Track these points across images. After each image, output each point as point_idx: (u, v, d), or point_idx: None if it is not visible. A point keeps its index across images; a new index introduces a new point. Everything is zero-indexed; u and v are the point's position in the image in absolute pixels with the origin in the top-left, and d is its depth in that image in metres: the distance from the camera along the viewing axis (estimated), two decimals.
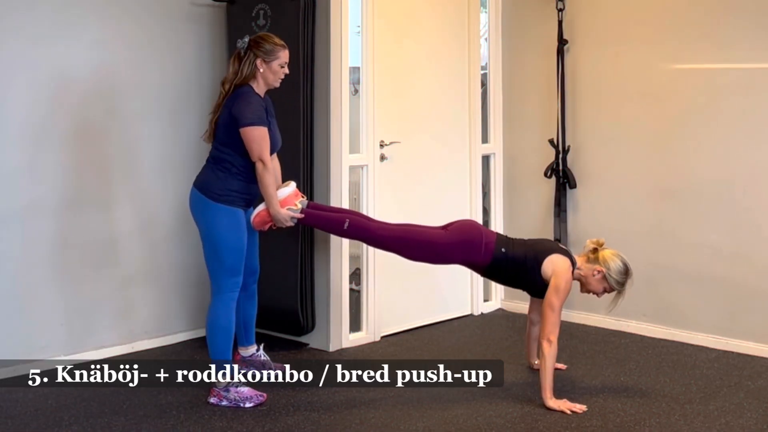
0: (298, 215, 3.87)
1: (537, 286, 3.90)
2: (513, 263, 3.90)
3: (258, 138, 3.70)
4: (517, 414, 3.66)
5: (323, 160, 4.54)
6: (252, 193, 3.83)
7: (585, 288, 3.96)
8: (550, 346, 3.70)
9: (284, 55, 3.84)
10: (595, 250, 3.91)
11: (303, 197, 3.98)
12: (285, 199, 3.85)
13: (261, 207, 3.86)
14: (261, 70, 3.79)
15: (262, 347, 4.18)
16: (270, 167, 3.73)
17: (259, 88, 3.83)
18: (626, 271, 3.87)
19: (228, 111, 3.75)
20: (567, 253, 3.94)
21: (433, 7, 5.18)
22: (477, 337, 4.93)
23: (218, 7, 4.86)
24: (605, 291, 3.92)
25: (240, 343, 4.12)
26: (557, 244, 4.06)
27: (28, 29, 4.19)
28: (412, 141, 5.04)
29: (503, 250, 3.91)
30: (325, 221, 4.03)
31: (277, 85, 3.88)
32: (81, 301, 4.43)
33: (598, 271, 3.86)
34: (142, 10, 4.61)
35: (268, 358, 4.18)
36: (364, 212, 4.81)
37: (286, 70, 3.88)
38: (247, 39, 3.82)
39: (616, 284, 3.87)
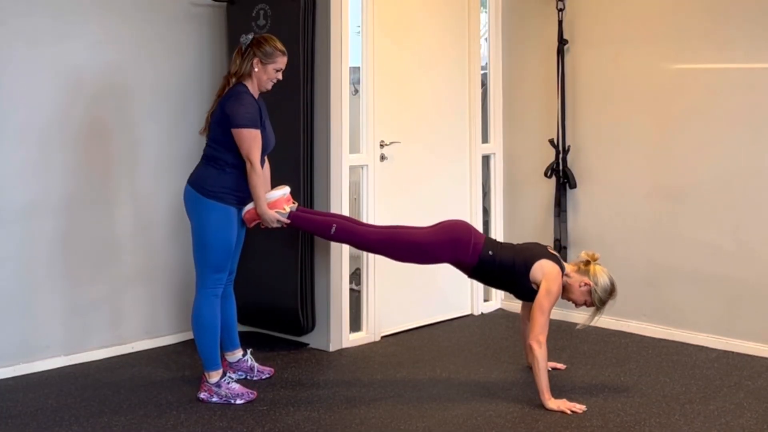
0: (285, 219, 3.91)
1: (525, 291, 3.91)
2: (500, 267, 3.91)
3: (248, 139, 3.72)
4: (517, 414, 3.66)
5: (323, 160, 4.54)
6: (244, 191, 3.83)
7: (566, 295, 3.94)
8: (539, 348, 3.69)
9: (281, 61, 3.86)
10: (587, 263, 3.91)
11: (294, 203, 4.02)
12: (275, 201, 3.90)
13: (251, 205, 3.90)
14: (256, 70, 3.81)
15: (249, 353, 4.14)
16: (258, 168, 3.75)
17: (253, 87, 3.85)
18: (611, 291, 3.87)
19: (221, 109, 3.77)
20: (556, 259, 3.94)
21: (433, 7, 5.18)
22: (477, 337, 4.93)
23: (218, 7, 4.86)
24: (585, 304, 3.92)
25: (225, 348, 4.05)
26: (546, 249, 4.04)
27: (28, 30, 4.19)
28: (412, 141, 5.04)
29: (491, 252, 3.92)
30: (312, 225, 4.06)
31: (269, 87, 3.89)
32: (81, 301, 4.43)
33: (585, 284, 3.87)
34: (142, 11, 4.60)
35: (256, 363, 4.14)
36: (365, 213, 4.82)
37: (280, 76, 3.89)
38: (251, 36, 3.84)
39: (599, 301, 3.87)
